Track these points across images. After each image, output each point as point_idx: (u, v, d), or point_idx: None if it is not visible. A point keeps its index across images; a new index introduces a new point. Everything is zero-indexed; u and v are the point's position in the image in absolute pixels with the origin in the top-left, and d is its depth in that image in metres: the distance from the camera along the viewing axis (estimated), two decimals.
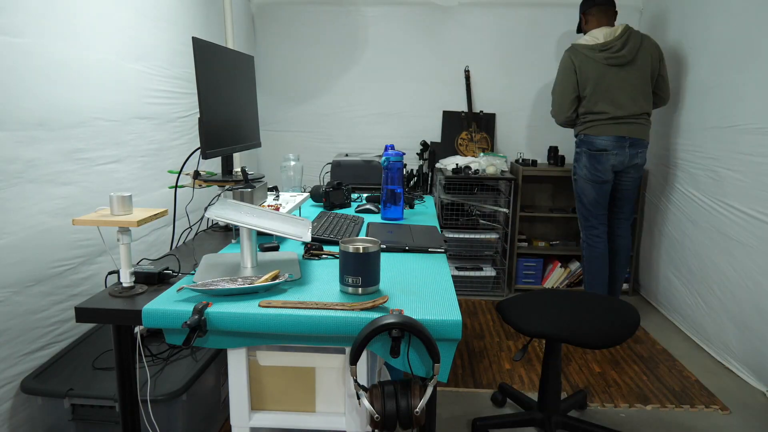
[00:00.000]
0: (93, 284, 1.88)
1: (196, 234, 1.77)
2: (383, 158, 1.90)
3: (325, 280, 1.30)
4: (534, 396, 2.19)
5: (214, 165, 1.79)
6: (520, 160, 3.45)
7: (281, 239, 1.66)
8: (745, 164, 2.36)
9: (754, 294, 2.28)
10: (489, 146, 3.52)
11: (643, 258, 3.35)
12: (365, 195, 2.40)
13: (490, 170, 3.22)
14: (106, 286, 1.28)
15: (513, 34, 3.51)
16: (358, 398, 1.08)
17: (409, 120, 3.67)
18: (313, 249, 1.52)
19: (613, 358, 2.56)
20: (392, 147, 1.99)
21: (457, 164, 3.28)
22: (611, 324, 1.66)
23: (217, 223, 1.86)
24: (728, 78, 2.50)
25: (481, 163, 3.26)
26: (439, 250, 1.54)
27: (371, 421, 1.07)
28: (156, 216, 1.24)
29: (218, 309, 1.10)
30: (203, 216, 1.56)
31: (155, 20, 2.26)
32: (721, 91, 2.55)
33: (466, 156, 3.45)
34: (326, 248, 1.56)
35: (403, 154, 1.93)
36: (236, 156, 3.01)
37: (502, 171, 3.29)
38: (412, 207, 2.24)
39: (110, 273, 1.34)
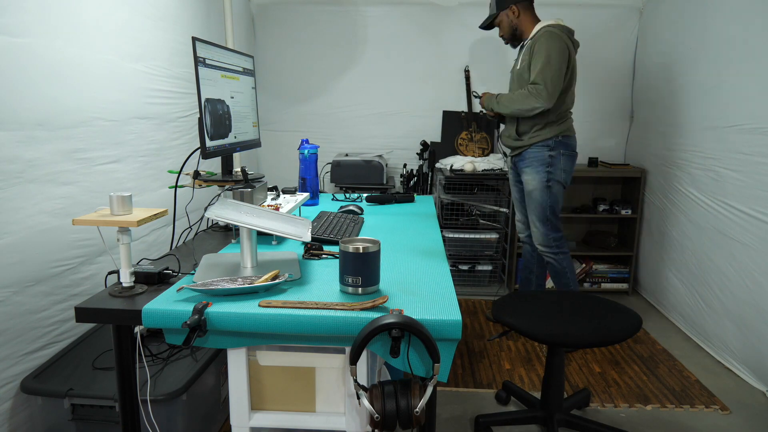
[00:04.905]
0: (93, 284, 1.87)
1: (196, 234, 1.77)
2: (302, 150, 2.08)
3: (325, 280, 1.30)
4: (538, 395, 2.19)
5: (214, 165, 1.79)
6: None
7: (281, 239, 1.66)
8: (745, 164, 2.36)
9: (754, 294, 2.28)
10: (489, 146, 3.52)
11: (643, 258, 3.35)
12: (365, 195, 2.40)
13: (468, 168, 3.21)
14: (106, 286, 1.28)
15: None
16: (358, 398, 1.08)
17: (409, 120, 3.67)
18: (313, 249, 1.52)
19: (613, 358, 2.56)
20: (307, 141, 2.18)
21: (452, 165, 3.29)
22: (612, 328, 1.66)
23: (217, 223, 1.86)
24: (728, 78, 2.50)
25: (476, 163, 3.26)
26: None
27: (371, 421, 1.06)
28: (156, 216, 1.24)
29: (218, 309, 1.10)
30: (203, 216, 1.56)
31: (155, 20, 2.26)
32: (721, 91, 2.55)
33: (465, 156, 3.45)
34: (326, 248, 1.56)
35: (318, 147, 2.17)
36: (236, 156, 3.01)
37: (502, 170, 3.29)
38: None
39: (110, 273, 1.34)
